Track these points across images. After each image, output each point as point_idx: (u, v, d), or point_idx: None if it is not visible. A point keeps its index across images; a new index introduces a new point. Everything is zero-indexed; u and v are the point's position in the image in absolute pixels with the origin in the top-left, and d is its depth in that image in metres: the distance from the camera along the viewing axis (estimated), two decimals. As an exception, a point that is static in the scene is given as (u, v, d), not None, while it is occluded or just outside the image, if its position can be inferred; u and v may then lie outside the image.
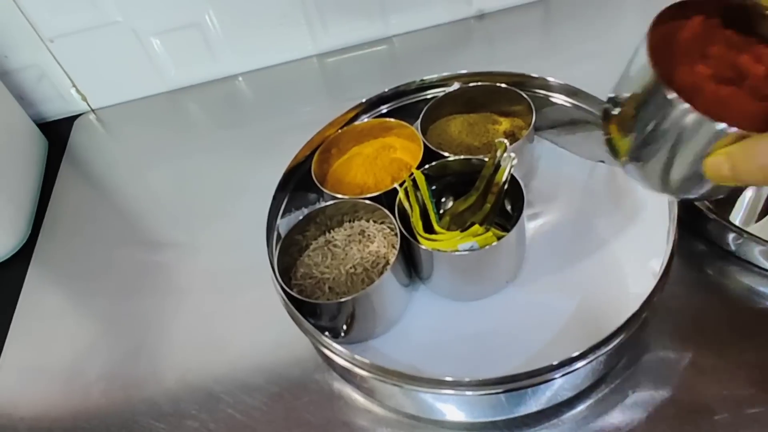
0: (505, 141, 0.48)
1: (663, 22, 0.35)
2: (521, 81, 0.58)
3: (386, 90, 0.61)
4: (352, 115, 0.60)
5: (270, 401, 0.49)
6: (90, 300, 0.62)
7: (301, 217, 0.51)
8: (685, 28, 0.36)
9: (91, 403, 0.52)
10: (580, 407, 0.44)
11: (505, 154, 0.47)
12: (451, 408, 0.44)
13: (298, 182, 0.57)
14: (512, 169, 0.47)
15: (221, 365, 0.52)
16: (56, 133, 0.79)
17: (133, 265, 0.62)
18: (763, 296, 0.48)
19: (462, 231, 0.47)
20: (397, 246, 0.47)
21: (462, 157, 0.52)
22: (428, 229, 0.50)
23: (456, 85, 0.59)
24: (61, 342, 0.58)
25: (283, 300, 0.47)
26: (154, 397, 0.51)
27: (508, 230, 0.46)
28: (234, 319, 0.55)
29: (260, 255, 0.50)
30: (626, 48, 0.73)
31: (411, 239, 0.47)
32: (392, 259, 0.47)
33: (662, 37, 0.35)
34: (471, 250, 0.46)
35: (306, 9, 0.74)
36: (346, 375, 0.47)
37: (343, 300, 0.45)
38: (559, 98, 0.58)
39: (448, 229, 0.49)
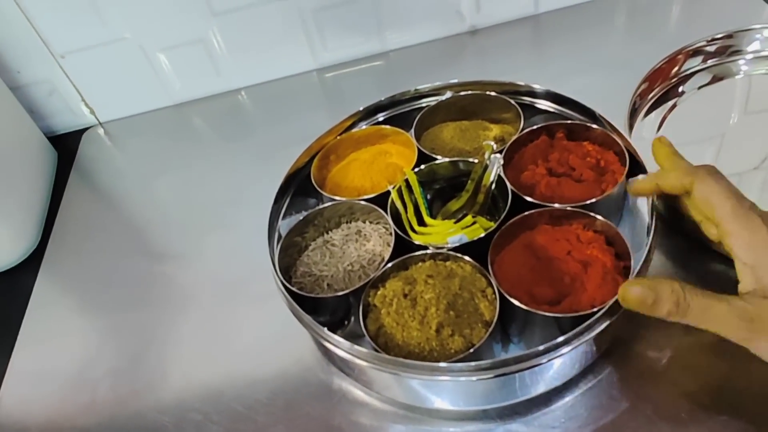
0: (492, 143, 0.50)
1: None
2: (510, 89, 0.61)
3: (383, 99, 0.64)
4: (350, 123, 0.63)
5: (272, 394, 0.50)
6: (97, 305, 0.64)
7: (300, 219, 0.53)
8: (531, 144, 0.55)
9: (98, 403, 0.54)
10: (568, 397, 0.46)
11: (492, 156, 0.50)
12: (444, 396, 0.46)
13: (299, 187, 0.60)
14: (499, 170, 0.50)
15: (224, 363, 0.54)
16: (65, 146, 0.82)
17: (140, 272, 0.64)
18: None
19: (456, 222, 0.50)
20: (392, 244, 0.49)
21: (451, 159, 0.55)
22: (423, 225, 0.52)
23: (448, 94, 0.62)
24: (69, 345, 0.59)
25: (284, 296, 0.49)
26: (159, 394, 0.53)
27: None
28: (237, 321, 0.57)
29: (262, 260, 0.52)
30: (613, 62, 0.77)
31: (404, 236, 0.50)
32: (387, 256, 0.49)
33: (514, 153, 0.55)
34: (460, 243, 0.49)
35: (306, 26, 0.77)
36: (345, 367, 0.49)
37: (340, 294, 0.47)
38: (544, 104, 0.60)
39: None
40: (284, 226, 0.57)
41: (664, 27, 0.76)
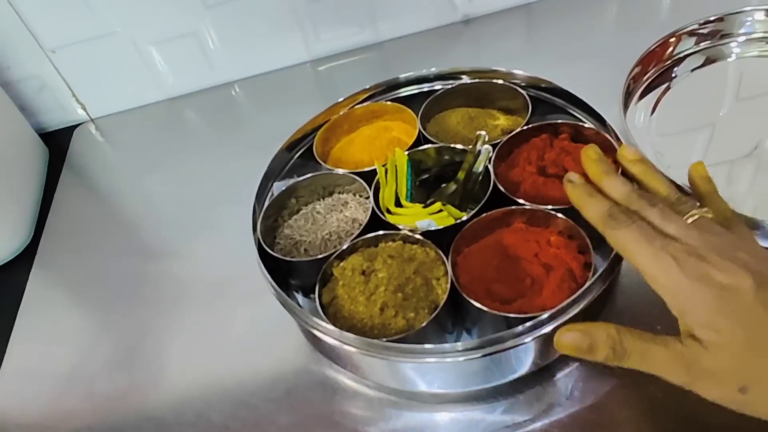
0: (484, 133, 0.51)
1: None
2: (533, 83, 0.61)
3: (400, 77, 0.65)
4: (361, 98, 0.65)
5: (272, 381, 0.50)
6: (92, 301, 0.63)
7: (283, 188, 0.56)
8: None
9: (96, 396, 0.53)
10: (559, 375, 0.46)
11: (483, 146, 0.50)
12: (436, 379, 0.46)
13: (301, 161, 0.63)
14: (489, 161, 0.50)
15: (223, 354, 0.53)
16: (57, 142, 0.81)
17: (134, 268, 0.64)
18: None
19: (424, 207, 0.51)
20: (366, 219, 0.51)
21: (442, 144, 0.55)
22: (400, 206, 0.54)
23: (465, 79, 0.63)
24: (64, 341, 0.59)
25: (270, 283, 0.49)
26: (158, 384, 0.53)
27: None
28: (234, 314, 0.56)
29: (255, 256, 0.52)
30: (606, 48, 0.77)
31: (379, 214, 0.51)
32: (364, 222, 0.51)
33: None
34: (428, 228, 0.49)
35: (299, 17, 0.77)
36: (333, 355, 0.49)
37: (304, 260, 0.51)
38: (551, 97, 0.60)
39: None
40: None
41: (656, 12, 0.76)
